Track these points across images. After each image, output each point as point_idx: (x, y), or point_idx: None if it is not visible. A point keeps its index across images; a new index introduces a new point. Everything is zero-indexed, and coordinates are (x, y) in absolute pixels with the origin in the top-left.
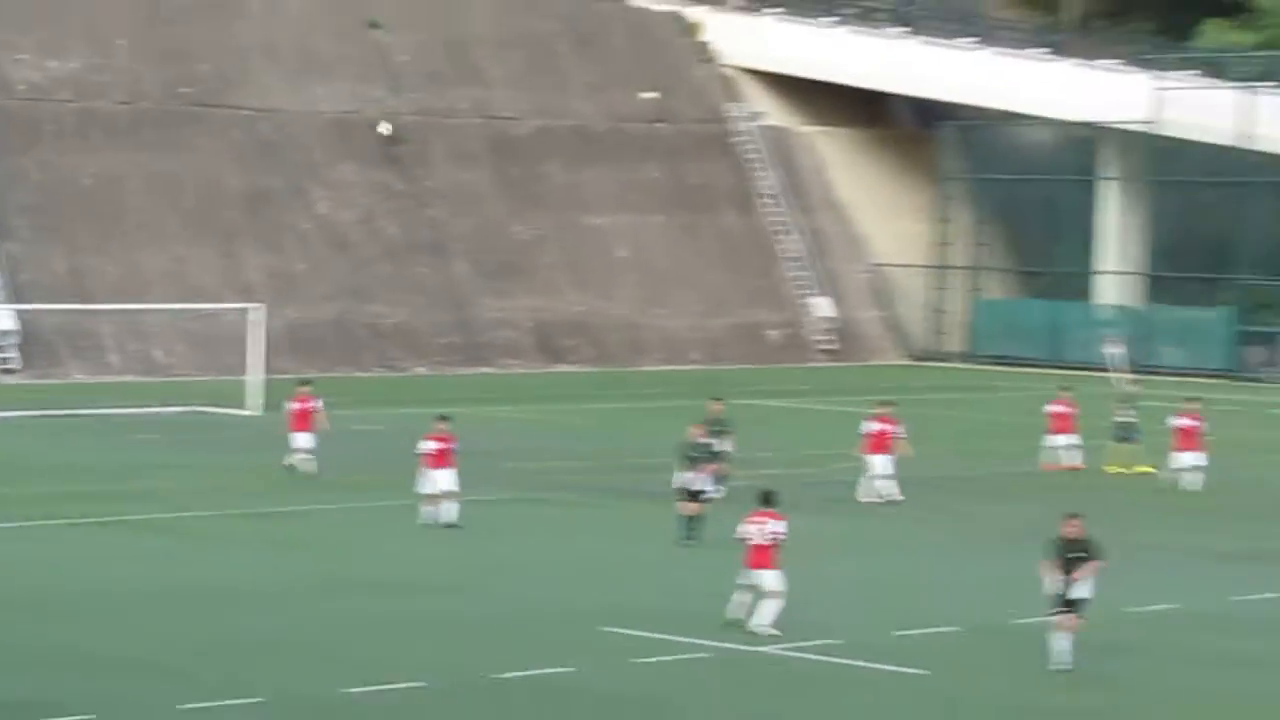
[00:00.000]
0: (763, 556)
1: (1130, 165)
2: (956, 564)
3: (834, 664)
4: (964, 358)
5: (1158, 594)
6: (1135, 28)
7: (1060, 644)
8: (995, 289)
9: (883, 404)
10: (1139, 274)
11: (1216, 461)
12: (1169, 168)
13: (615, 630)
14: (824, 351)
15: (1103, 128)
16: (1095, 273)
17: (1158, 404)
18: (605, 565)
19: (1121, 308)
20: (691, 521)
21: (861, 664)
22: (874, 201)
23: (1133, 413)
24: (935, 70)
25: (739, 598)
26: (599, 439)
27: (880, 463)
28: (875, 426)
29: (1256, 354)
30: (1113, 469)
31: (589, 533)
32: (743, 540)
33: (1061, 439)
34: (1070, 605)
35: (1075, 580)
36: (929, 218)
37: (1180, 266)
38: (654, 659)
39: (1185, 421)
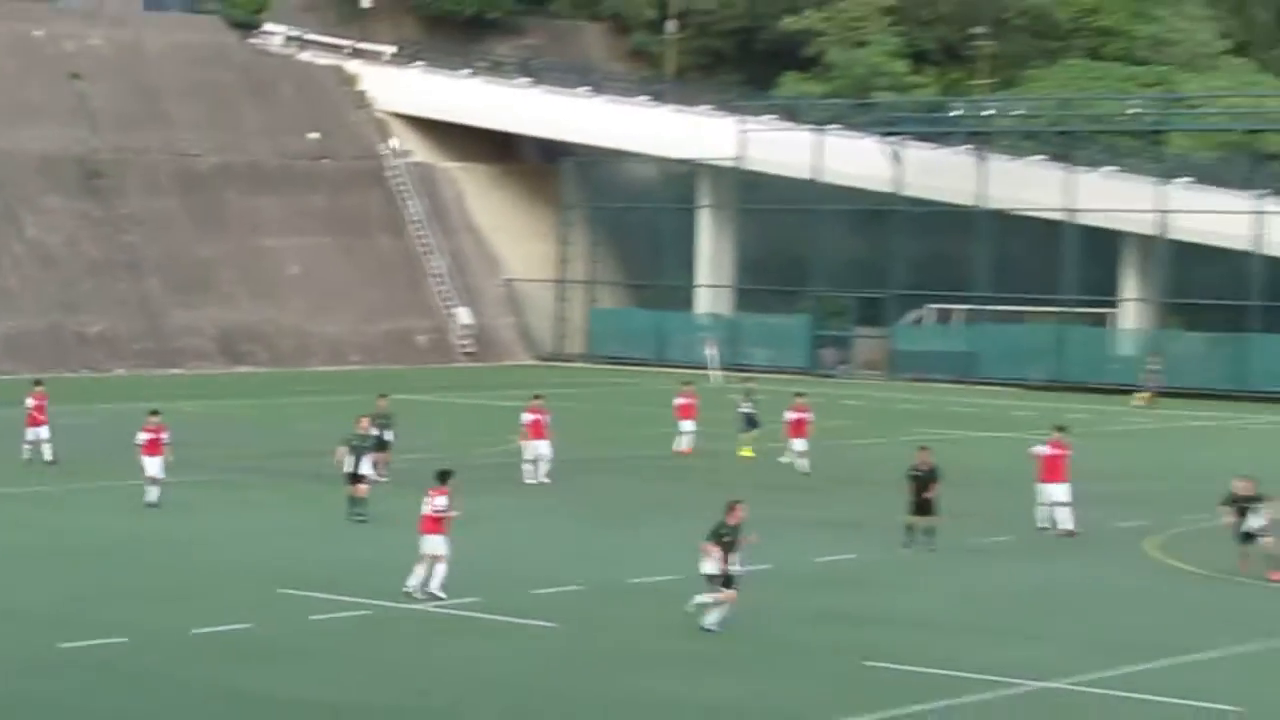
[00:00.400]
0: (434, 526)
1: (722, 195)
2: (589, 533)
3: (476, 618)
4: (584, 358)
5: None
6: (724, 79)
7: (715, 615)
8: (609, 300)
9: (536, 397)
10: (730, 287)
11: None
12: (754, 197)
13: (291, 592)
14: (465, 354)
15: (698, 163)
16: (695, 286)
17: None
18: (283, 537)
19: (716, 315)
20: (358, 502)
21: (500, 618)
22: (506, 226)
23: (750, 404)
24: (556, 114)
25: (421, 568)
26: (275, 430)
27: (537, 447)
28: (530, 417)
29: (830, 354)
30: (746, 453)
31: (269, 510)
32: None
33: (686, 425)
34: (728, 582)
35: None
36: (553, 239)
37: (765, 280)
38: (325, 616)
39: (796, 414)
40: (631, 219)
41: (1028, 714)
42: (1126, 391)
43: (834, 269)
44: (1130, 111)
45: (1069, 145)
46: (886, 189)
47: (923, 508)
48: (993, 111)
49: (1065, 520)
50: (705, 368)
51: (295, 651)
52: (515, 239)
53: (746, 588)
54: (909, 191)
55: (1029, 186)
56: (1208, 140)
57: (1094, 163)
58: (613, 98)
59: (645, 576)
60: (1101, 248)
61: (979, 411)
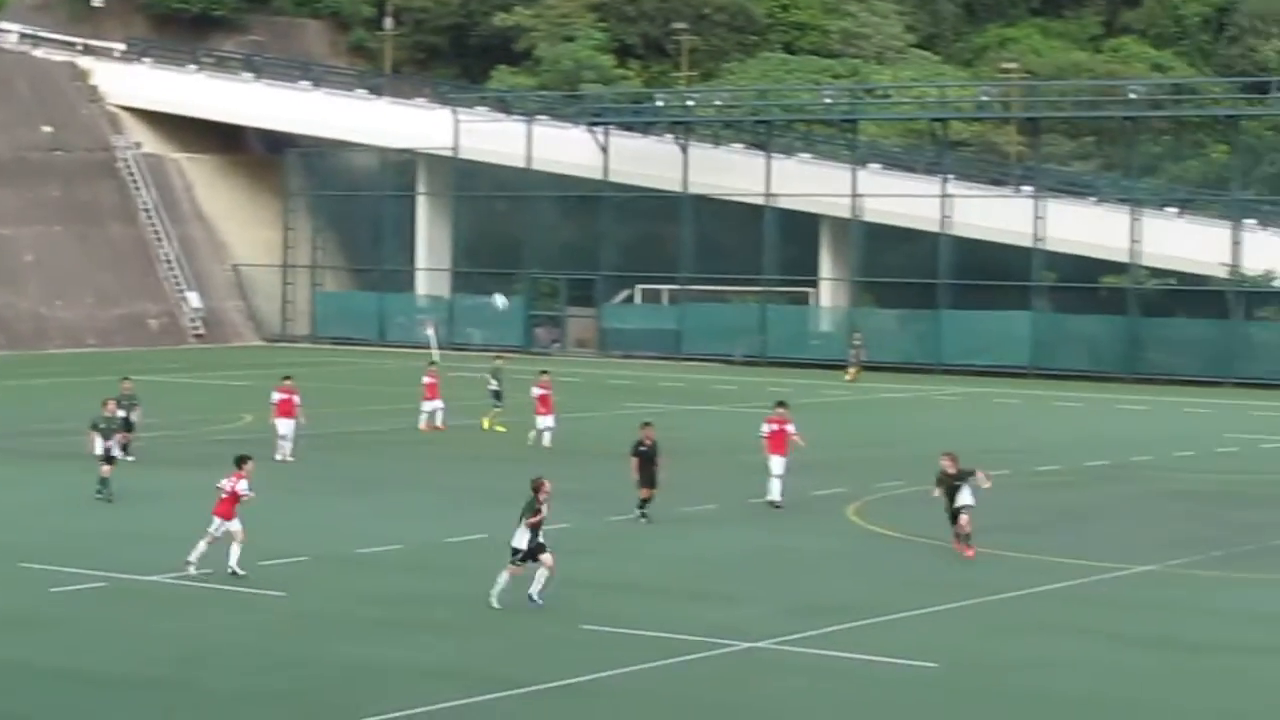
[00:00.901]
0: (231, 508)
1: (439, 183)
2: (320, 505)
3: (211, 589)
4: (309, 339)
5: (474, 527)
6: (440, 73)
7: (504, 583)
8: (333, 283)
9: (285, 378)
10: (448, 270)
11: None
12: (470, 185)
13: (32, 566)
14: (195, 336)
15: (416, 153)
16: (415, 269)
17: (463, 375)
18: (25, 513)
19: (435, 297)
20: (105, 480)
21: (232, 589)
22: (233, 214)
23: (496, 383)
24: (279, 107)
25: (205, 544)
26: (16, 410)
27: (284, 425)
28: (279, 396)
29: (543, 333)
30: (498, 429)
31: (10, 487)
32: (219, 491)
33: (429, 405)
34: (533, 555)
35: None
36: (278, 226)
37: (481, 263)
38: (66, 588)
39: (541, 390)
40: (353, 206)
41: (736, 674)
42: (826, 367)
43: (547, 252)
44: (825, 102)
45: (767, 134)
46: (595, 176)
47: (649, 481)
48: (694, 102)
49: (774, 492)
50: (426, 347)
51: (38, 622)
52: (242, 226)
53: (466, 556)
54: (616, 178)
55: (730, 173)
56: (897, 128)
57: (791, 150)
58: (332, 91)
59: (372, 547)
60: (800, 230)
61: (686, 386)
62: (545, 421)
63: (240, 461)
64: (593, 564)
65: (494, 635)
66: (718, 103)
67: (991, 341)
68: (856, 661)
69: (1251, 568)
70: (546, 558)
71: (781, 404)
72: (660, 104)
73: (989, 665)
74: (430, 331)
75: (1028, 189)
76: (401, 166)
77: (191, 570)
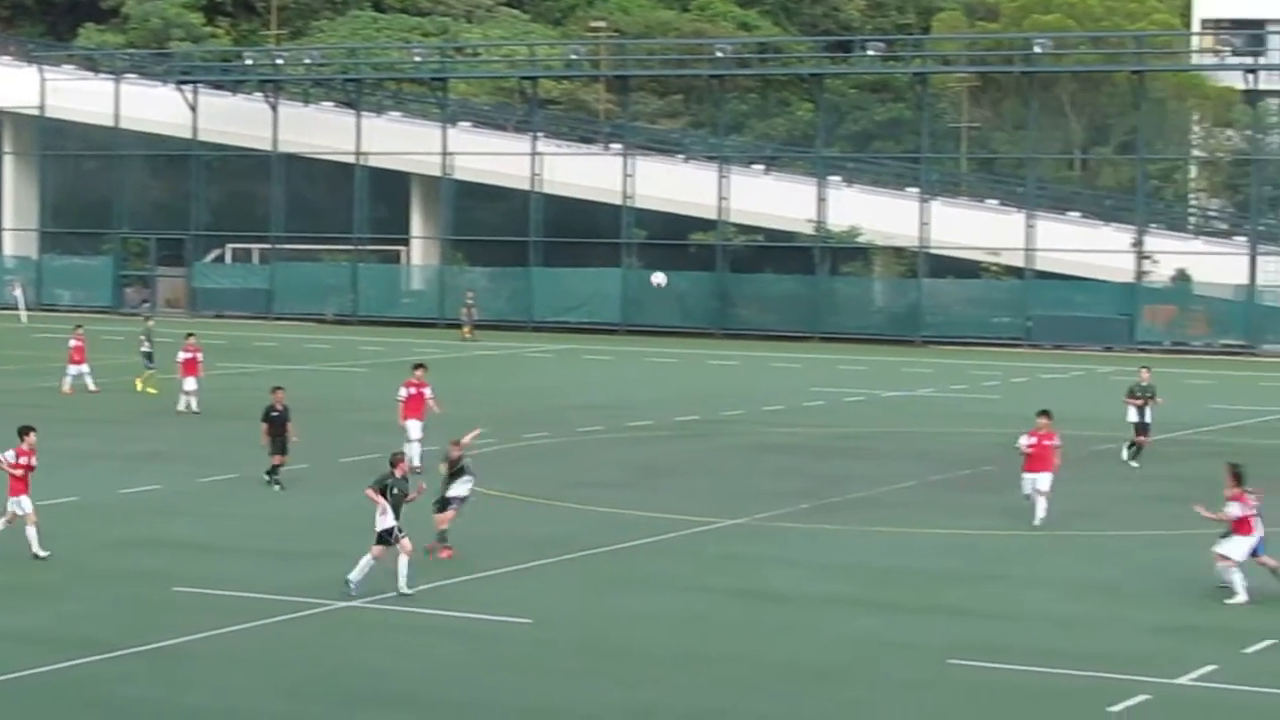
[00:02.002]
0: (25, 484)
1: (25, 142)
2: None
3: None
4: None
5: (64, 490)
6: (26, 30)
7: (367, 567)
8: None
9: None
10: (36, 230)
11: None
12: (57, 144)
13: None
14: None
15: (2, 112)
16: (2, 229)
17: (52, 335)
18: None
19: (23, 258)
20: None
21: None
22: None
23: (149, 344)
24: None
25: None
26: None
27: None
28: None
29: (133, 293)
30: (149, 389)
31: None
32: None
33: (74, 369)
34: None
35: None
36: None
37: (70, 224)
38: None
39: (186, 354)
40: None
41: (330, 634)
42: (418, 325)
43: (136, 212)
44: (414, 60)
45: (357, 92)
46: (185, 135)
47: (281, 447)
48: (284, 61)
49: (415, 457)
50: (13, 309)
51: None
52: None
53: (56, 520)
54: (206, 137)
55: (321, 131)
56: (487, 86)
57: (381, 108)
58: None
59: None
60: (391, 189)
61: (278, 346)
62: (189, 384)
63: (24, 432)
64: (184, 526)
65: (85, 599)
66: (307, 61)
67: (583, 298)
68: (451, 619)
69: (837, 519)
70: (405, 543)
71: (420, 366)
72: (249, 62)
73: (582, 620)
74: (18, 293)
75: (617, 147)
76: None
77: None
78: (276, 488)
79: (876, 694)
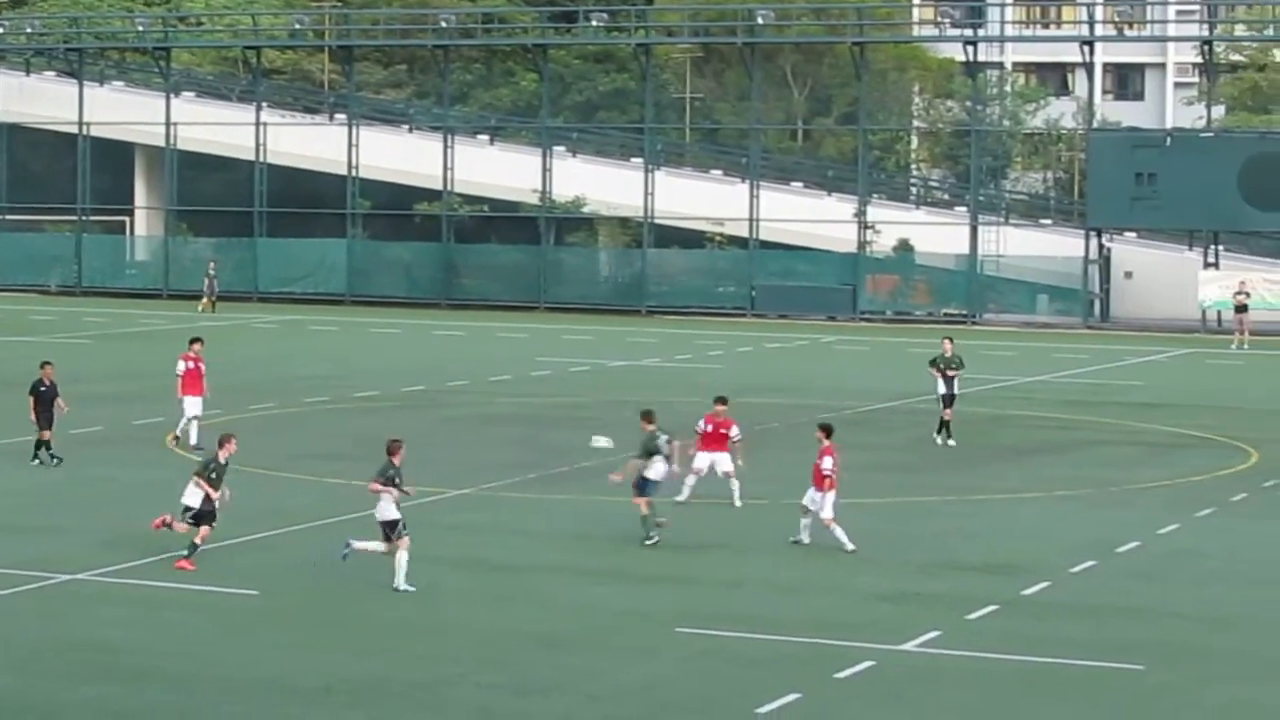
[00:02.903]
0: None
1: None
2: None
3: None
4: None
5: None
6: None
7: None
8: None
9: None
10: None
11: None
12: None
13: None
14: None
15: None
16: None
17: None
18: None
19: None
20: None
21: None
22: None
23: None
24: None
25: None
26: None
27: None
28: None
29: None
30: None
31: None
32: None
33: None
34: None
35: None
36: None
37: None
38: None
39: None
40: None
41: (55, 607)
42: (142, 296)
43: None
44: (137, 29)
45: (80, 62)
46: None
47: (48, 422)
48: (4, 29)
49: (194, 436)
50: None
51: None
52: None
53: None
54: None
55: (42, 101)
56: (210, 56)
57: (104, 78)
58: None
59: None
60: (115, 159)
61: (3, 317)
62: None
63: None
64: None
65: None
66: (28, 30)
67: (308, 269)
68: (178, 590)
69: (563, 489)
70: (406, 539)
71: (196, 340)
72: None
73: (310, 591)
74: None
75: (341, 117)
76: None
77: None
78: (55, 462)
79: (605, 662)
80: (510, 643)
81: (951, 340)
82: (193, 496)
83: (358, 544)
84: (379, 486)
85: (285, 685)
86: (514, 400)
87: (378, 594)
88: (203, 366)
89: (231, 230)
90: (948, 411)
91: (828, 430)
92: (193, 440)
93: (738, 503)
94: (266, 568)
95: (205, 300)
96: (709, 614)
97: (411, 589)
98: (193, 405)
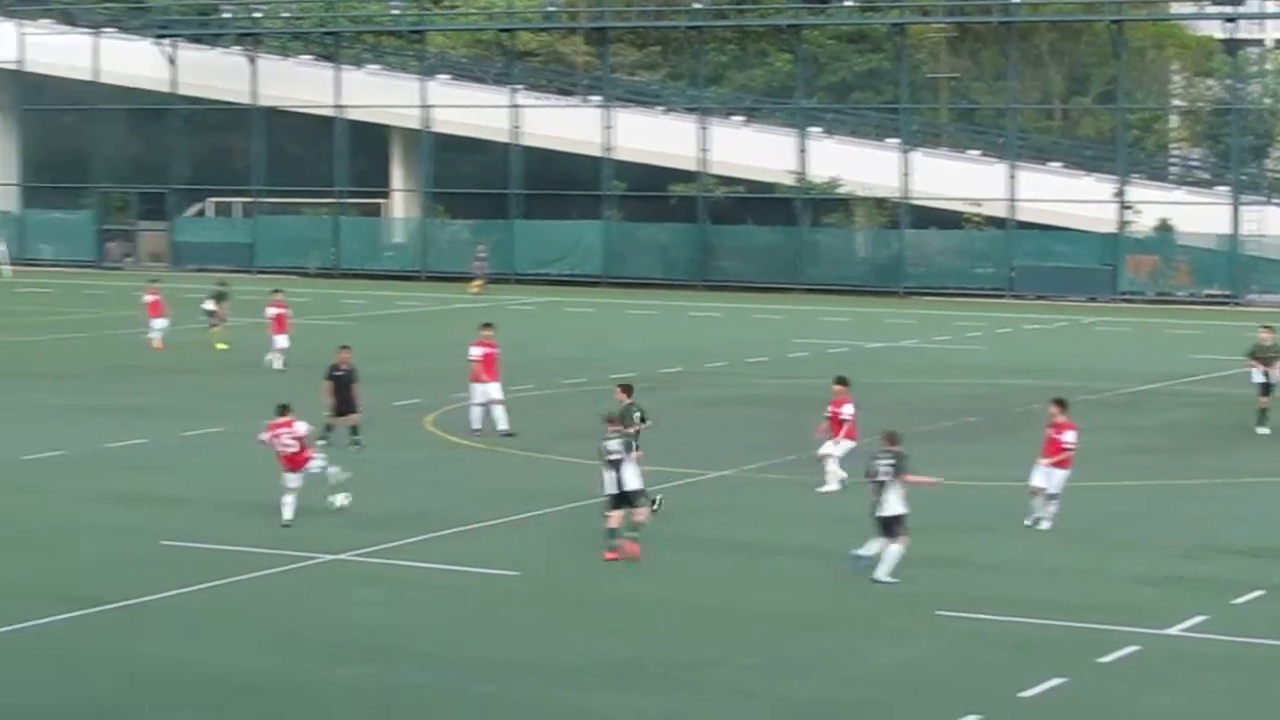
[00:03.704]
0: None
1: (4, 97)
2: None
3: None
4: None
5: (51, 444)
6: None
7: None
8: None
9: None
10: (17, 185)
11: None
12: (36, 98)
13: None
14: None
15: None
16: None
17: (35, 290)
18: None
19: (4, 213)
20: None
21: None
22: None
23: (211, 303)
24: None
25: None
26: None
27: None
28: None
29: (115, 248)
30: (219, 345)
31: None
32: None
33: (158, 323)
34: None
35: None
36: None
37: (51, 178)
38: None
39: (275, 310)
40: None
41: (317, 587)
42: (399, 278)
43: (117, 166)
44: (392, 13)
45: (335, 45)
46: (164, 89)
47: (344, 407)
48: (261, 14)
49: (502, 420)
50: None
51: None
52: None
53: (43, 474)
54: (185, 91)
55: (300, 84)
56: (465, 39)
57: (360, 61)
58: None
59: None
60: (371, 142)
61: (260, 299)
62: (281, 341)
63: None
64: (172, 479)
65: (71, 554)
66: (285, 14)
67: (564, 250)
68: (438, 571)
69: (820, 471)
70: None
71: (488, 325)
72: (227, 15)
73: (568, 572)
74: (1, 247)
75: (596, 99)
76: None
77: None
78: (356, 448)
79: (864, 643)
80: (768, 624)
81: (1271, 330)
82: (634, 477)
83: (871, 551)
84: (916, 479)
85: (540, 665)
86: (772, 382)
87: (635, 575)
88: (496, 350)
89: (487, 212)
90: (1265, 400)
91: (1062, 404)
92: (503, 426)
93: (826, 488)
94: (527, 549)
95: (477, 282)
96: (969, 597)
97: (893, 581)
98: (494, 390)
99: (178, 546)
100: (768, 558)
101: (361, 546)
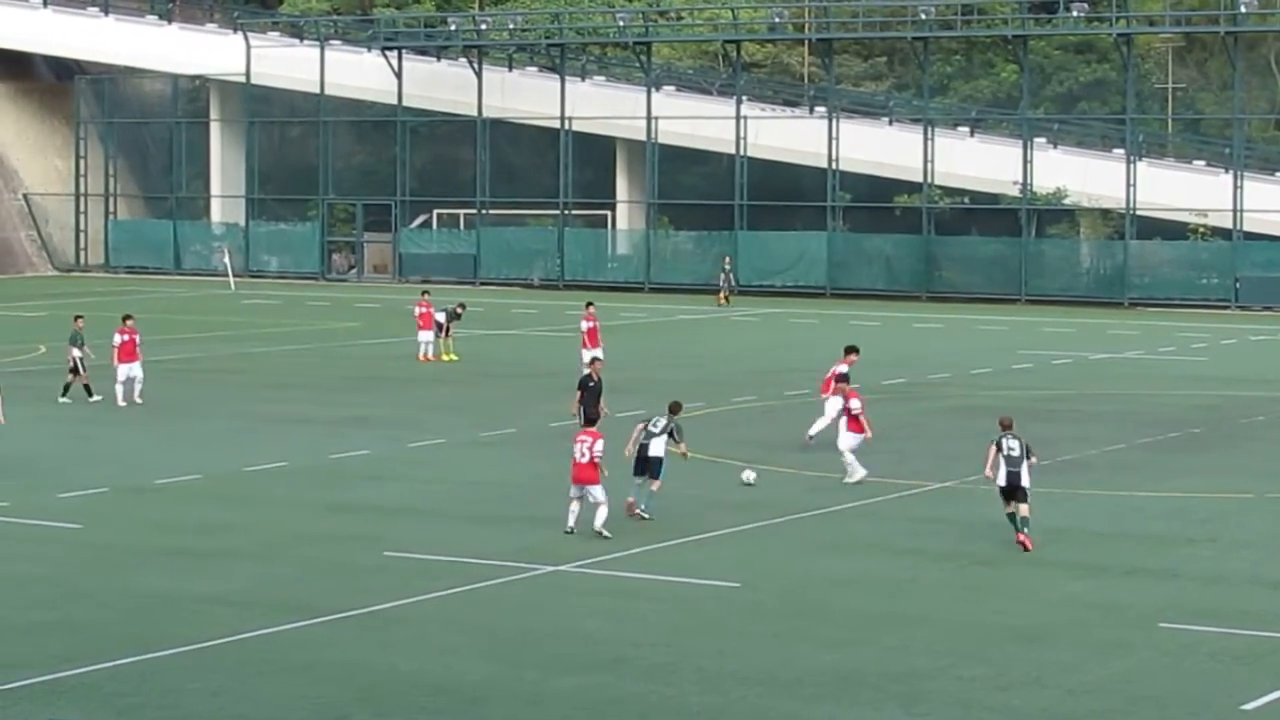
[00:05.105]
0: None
1: (232, 109)
2: (115, 436)
3: (5, 523)
4: (103, 269)
5: (273, 455)
6: None
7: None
8: (127, 212)
9: (126, 318)
10: (243, 197)
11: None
12: (263, 110)
13: None
14: None
15: (209, 79)
16: (210, 197)
17: (260, 302)
18: None
19: (231, 224)
20: None
21: (27, 521)
22: (22, 142)
23: (444, 314)
24: (68, 34)
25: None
26: None
27: (129, 369)
28: (121, 339)
29: (340, 259)
30: (446, 356)
31: None
32: None
33: (424, 335)
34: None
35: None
36: (69, 154)
37: (276, 190)
38: None
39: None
40: (146, 133)
41: (540, 598)
42: (624, 289)
43: (342, 178)
44: (618, 24)
45: (561, 57)
46: (389, 101)
47: (593, 418)
48: (487, 26)
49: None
50: (221, 275)
51: None
52: (32, 154)
53: (264, 484)
54: (411, 103)
55: (525, 96)
56: (690, 50)
57: (585, 73)
58: (122, 17)
59: (171, 477)
60: (595, 153)
61: (485, 311)
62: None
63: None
64: (395, 490)
65: (295, 564)
66: (511, 26)
67: (788, 262)
68: (659, 582)
69: (1046, 483)
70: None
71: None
72: (453, 27)
73: (790, 583)
74: (226, 259)
75: (821, 110)
76: (194, 93)
77: None
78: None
79: (1085, 656)
80: (989, 636)
81: None
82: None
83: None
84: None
85: (762, 678)
86: (996, 393)
87: (858, 586)
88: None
89: (711, 224)
90: None
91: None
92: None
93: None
94: (748, 559)
95: (722, 293)
96: (1192, 609)
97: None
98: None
99: (401, 557)
100: (989, 569)
101: (584, 557)
